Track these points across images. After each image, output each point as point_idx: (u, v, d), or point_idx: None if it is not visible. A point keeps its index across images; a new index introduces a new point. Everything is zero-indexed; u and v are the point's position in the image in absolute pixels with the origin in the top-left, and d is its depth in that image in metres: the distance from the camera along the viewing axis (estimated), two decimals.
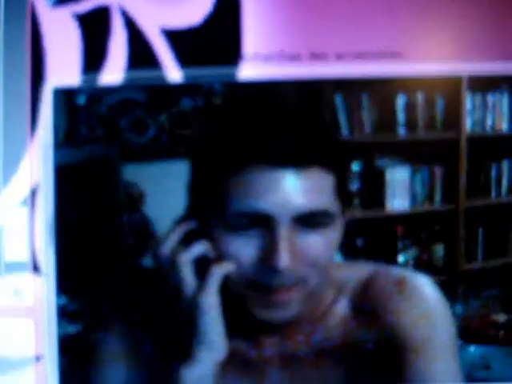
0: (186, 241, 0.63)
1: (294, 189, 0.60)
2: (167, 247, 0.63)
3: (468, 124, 0.69)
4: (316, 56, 0.69)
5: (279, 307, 0.62)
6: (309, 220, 0.61)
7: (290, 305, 0.62)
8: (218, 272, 0.62)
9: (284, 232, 0.60)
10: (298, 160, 0.60)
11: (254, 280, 0.62)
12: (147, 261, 0.71)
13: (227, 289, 0.63)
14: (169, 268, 0.63)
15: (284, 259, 0.59)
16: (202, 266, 0.63)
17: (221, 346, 0.63)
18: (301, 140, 0.61)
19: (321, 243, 0.62)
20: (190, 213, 0.66)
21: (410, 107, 0.70)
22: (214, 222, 0.63)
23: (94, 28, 0.72)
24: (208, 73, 0.70)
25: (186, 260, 0.62)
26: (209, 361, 0.62)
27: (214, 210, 0.63)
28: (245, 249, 0.61)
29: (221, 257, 0.62)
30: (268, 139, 0.60)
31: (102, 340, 0.69)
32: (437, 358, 0.65)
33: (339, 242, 0.64)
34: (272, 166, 0.59)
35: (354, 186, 0.70)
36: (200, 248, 0.63)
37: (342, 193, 0.64)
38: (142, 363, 0.67)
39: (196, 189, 0.67)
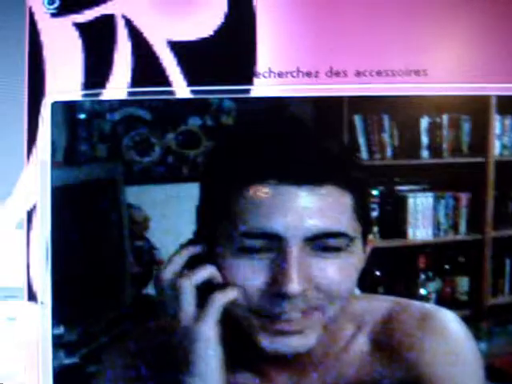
0: (191, 265, 0.59)
1: (306, 207, 0.56)
2: (170, 271, 0.60)
3: (497, 148, 0.65)
4: (334, 73, 0.64)
5: (288, 338, 0.58)
6: (323, 242, 0.57)
7: (301, 336, 0.58)
8: (219, 300, 0.58)
9: (295, 254, 0.56)
10: (310, 176, 0.56)
11: (262, 307, 0.58)
12: (149, 289, 0.67)
13: (233, 318, 0.59)
14: (170, 294, 0.59)
15: (294, 284, 0.55)
16: (207, 293, 0.59)
17: (216, 380, 0.58)
18: (314, 156, 0.58)
19: (337, 269, 0.58)
20: (198, 236, 0.62)
21: (434, 129, 0.65)
22: (222, 244, 0.59)
23: (97, 39, 0.68)
24: (218, 89, 0.65)
25: (189, 285, 0.58)
26: None
27: (222, 232, 0.59)
28: (252, 273, 0.58)
29: (227, 283, 0.58)
30: (279, 156, 0.57)
31: (98, 373, 0.66)
32: None
33: (359, 270, 0.60)
34: (283, 183, 0.55)
35: (374, 213, 0.66)
36: (204, 273, 0.59)
37: (362, 214, 0.59)
38: None
39: (205, 210, 0.63)
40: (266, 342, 0.59)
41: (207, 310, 0.58)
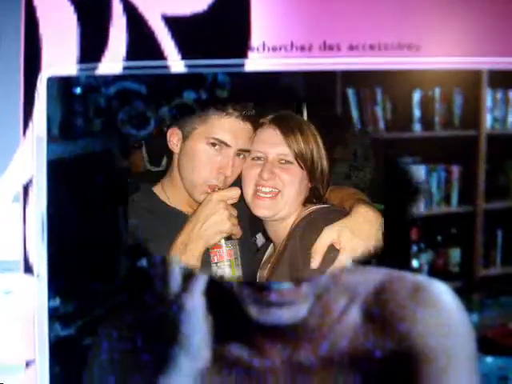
0: None
1: None
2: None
3: (488, 121, 0.66)
4: (328, 47, 0.65)
5: (279, 310, 0.59)
6: None
7: (292, 308, 0.59)
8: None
9: None
10: None
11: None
12: (143, 262, 0.67)
13: (224, 289, 0.60)
14: (159, 266, 0.60)
15: None
16: None
17: (203, 352, 0.59)
18: None
19: None
20: None
21: (426, 103, 0.66)
22: None
23: (92, 14, 0.68)
24: (213, 63, 0.66)
25: None
26: (189, 368, 0.59)
27: None
28: None
29: None
30: None
31: (93, 345, 0.66)
32: (452, 369, 0.62)
33: None
34: None
35: None
36: None
37: None
38: (132, 370, 0.64)
39: None
40: (257, 313, 0.59)
41: (192, 280, 0.58)
